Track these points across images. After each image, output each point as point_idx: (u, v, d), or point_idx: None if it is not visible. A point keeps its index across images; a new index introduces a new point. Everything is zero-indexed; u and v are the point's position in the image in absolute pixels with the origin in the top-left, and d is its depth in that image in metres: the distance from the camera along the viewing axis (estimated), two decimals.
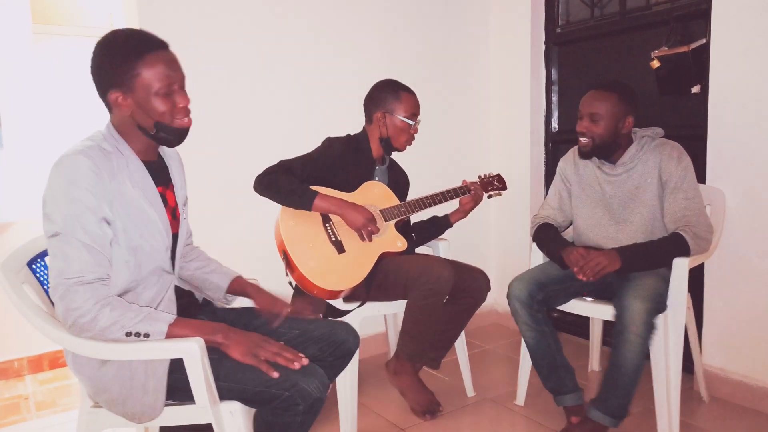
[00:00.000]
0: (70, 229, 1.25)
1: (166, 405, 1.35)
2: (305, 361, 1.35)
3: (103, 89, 1.34)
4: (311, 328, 1.57)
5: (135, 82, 1.32)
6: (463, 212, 2.38)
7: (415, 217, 2.45)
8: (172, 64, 1.36)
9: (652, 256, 1.97)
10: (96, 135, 1.37)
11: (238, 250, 2.46)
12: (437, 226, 2.43)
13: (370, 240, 2.10)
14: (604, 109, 2.01)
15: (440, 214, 2.48)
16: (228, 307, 1.69)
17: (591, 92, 2.07)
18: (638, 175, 2.07)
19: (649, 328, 1.85)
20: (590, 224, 2.18)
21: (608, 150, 2.07)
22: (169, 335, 1.29)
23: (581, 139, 2.08)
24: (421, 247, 2.48)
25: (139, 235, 1.36)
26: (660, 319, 1.91)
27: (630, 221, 2.09)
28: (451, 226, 2.43)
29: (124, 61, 1.31)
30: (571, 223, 2.32)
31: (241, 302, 1.75)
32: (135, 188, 1.35)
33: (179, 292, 1.53)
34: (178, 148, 1.61)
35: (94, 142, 1.34)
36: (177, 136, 1.40)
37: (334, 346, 1.57)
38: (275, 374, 1.30)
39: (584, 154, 2.11)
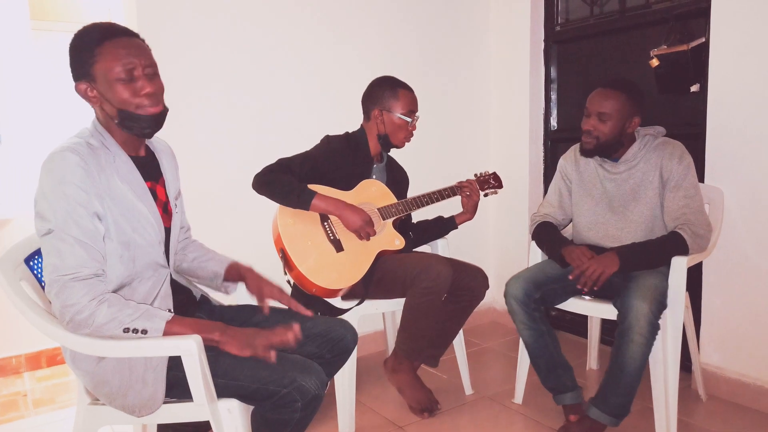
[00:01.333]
0: (62, 225, 1.25)
1: (165, 402, 1.35)
2: (296, 327, 1.35)
3: (73, 82, 1.35)
4: (309, 326, 1.57)
5: (95, 70, 1.31)
6: (468, 213, 2.38)
7: (418, 216, 2.45)
8: (135, 50, 1.33)
9: (651, 255, 1.97)
10: (83, 131, 1.37)
11: (235, 248, 2.44)
12: (441, 227, 2.43)
13: (368, 239, 2.10)
14: (612, 108, 2.00)
15: (440, 213, 2.48)
16: (225, 304, 1.69)
17: (599, 90, 2.05)
18: (640, 173, 2.07)
19: (654, 329, 1.85)
20: (590, 222, 2.18)
21: (611, 149, 2.07)
22: (167, 332, 1.29)
23: (585, 137, 2.07)
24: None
25: (131, 229, 1.35)
26: (662, 319, 1.91)
27: (630, 219, 2.09)
28: (456, 227, 2.42)
29: (85, 49, 1.31)
30: (571, 221, 2.32)
31: (238, 300, 1.75)
32: (123, 183, 1.35)
33: (176, 288, 1.53)
34: (172, 143, 1.61)
35: (81, 138, 1.34)
36: (145, 123, 1.36)
37: (333, 343, 1.57)
38: (273, 358, 1.30)
39: (587, 152, 2.10)
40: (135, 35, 1.37)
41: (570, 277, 1.99)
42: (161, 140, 1.58)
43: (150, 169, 1.47)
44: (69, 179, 1.25)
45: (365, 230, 2.08)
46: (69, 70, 1.35)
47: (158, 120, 1.38)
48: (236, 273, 1.65)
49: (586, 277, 1.94)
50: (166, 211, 1.48)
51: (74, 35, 1.34)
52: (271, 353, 1.31)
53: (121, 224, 1.34)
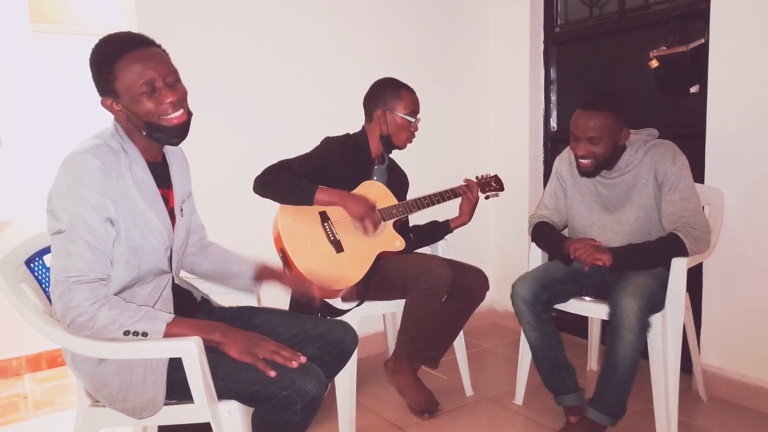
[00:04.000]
0: (74, 227, 1.25)
1: (165, 404, 1.35)
2: (303, 360, 1.35)
3: (99, 97, 1.36)
4: (309, 327, 1.57)
5: (117, 87, 1.32)
6: (464, 216, 2.37)
7: (414, 219, 2.45)
8: (151, 62, 1.32)
9: (646, 257, 1.98)
10: (104, 132, 1.37)
11: (236, 249, 2.45)
12: (436, 231, 2.43)
13: (375, 229, 2.09)
14: (601, 129, 1.96)
15: (438, 215, 2.48)
16: (225, 305, 1.69)
17: (581, 113, 1.99)
18: (633, 177, 2.06)
19: (644, 325, 1.85)
20: (586, 224, 2.18)
21: (609, 164, 2.06)
22: (167, 334, 1.29)
23: (582, 161, 2.03)
24: None
25: (140, 236, 1.36)
26: (656, 318, 1.92)
27: (625, 222, 2.08)
28: (451, 231, 2.42)
29: (103, 67, 1.31)
30: (567, 224, 2.32)
31: (238, 302, 1.75)
32: (137, 189, 1.36)
33: (177, 290, 1.53)
34: (182, 145, 1.61)
35: (101, 140, 1.34)
36: (171, 133, 1.37)
37: (332, 345, 1.57)
38: (272, 373, 1.30)
39: (587, 174, 2.07)
40: (152, 44, 1.37)
41: (572, 257, 2.02)
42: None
43: (163, 175, 1.48)
44: (86, 182, 1.26)
45: (371, 216, 2.07)
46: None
47: (184, 129, 1.39)
48: (268, 273, 1.66)
49: (576, 247, 1.98)
50: (172, 217, 1.49)
51: (92, 51, 1.34)
52: (270, 370, 1.30)
53: (131, 230, 1.34)
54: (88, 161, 1.26)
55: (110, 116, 1.41)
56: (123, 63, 1.30)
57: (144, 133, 1.36)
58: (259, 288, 1.70)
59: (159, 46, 1.39)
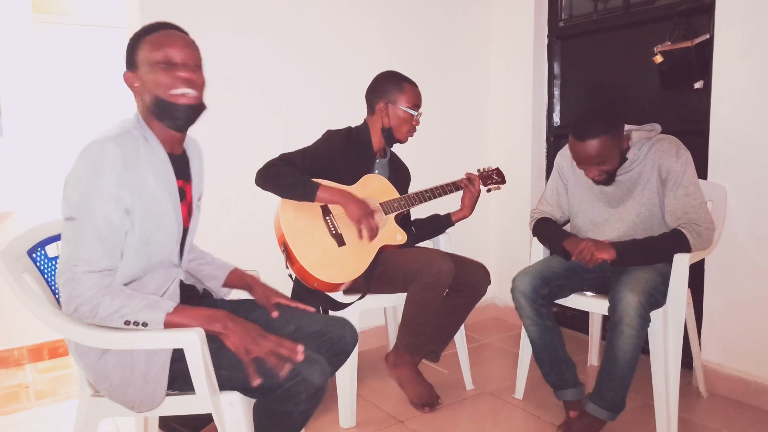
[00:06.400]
0: (86, 216, 1.25)
1: (166, 395, 1.35)
2: (300, 349, 1.33)
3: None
4: (306, 324, 1.56)
5: (137, 57, 1.35)
6: (465, 209, 2.37)
7: (415, 213, 2.45)
8: (178, 41, 1.36)
9: (650, 252, 1.97)
10: (126, 121, 1.37)
11: (238, 243, 2.46)
12: (437, 225, 2.42)
13: (371, 240, 2.09)
14: (604, 153, 1.94)
15: (440, 209, 2.47)
16: (227, 298, 1.69)
17: (579, 144, 1.94)
18: (637, 174, 2.06)
19: (644, 320, 1.85)
20: (588, 221, 2.18)
21: (619, 168, 2.06)
22: (168, 324, 1.28)
23: (596, 178, 2.04)
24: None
25: (154, 227, 1.36)
26: (657, 314, 1.92)
27: (628, 219, 2.08)
28: (453, 224, 2.42)
29: (134, 41, 1.36)
30: (569, 220, 2.31)
31: (237, 294, 1.75)
32: (156, 179, 1.35)
33: (181, 285, 1.53)
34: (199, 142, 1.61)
35: (122, 129, 1.33)
36: (177, 112, 1.35)
37: (332, 343, 1.56)
38: (257, 381, 1.28)
39: (604, 184, 2.08)
40: (184, 32, 1.42)
41: (574, 259, 2.02)
42: (195, 140, 1.58)
43: (183, 168, 1.47)
44: (105, 171, 1.25)
45: (367, 222, 2.07)
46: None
47: (190, 111, 1.37)
48: (238, 280, 1.65)
49: (580, 250, 1.98)
50: (189, 211, 1.48)
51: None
52: (256, 378, 1.28)
53: (145, 220, 1.34)
54: (107, 150, 1.26)
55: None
56: (151, 37, 1.36)
57: (152, 110, 1.36)
58: (228, 294, 1.69)
59: (193, 41, 1.42)
